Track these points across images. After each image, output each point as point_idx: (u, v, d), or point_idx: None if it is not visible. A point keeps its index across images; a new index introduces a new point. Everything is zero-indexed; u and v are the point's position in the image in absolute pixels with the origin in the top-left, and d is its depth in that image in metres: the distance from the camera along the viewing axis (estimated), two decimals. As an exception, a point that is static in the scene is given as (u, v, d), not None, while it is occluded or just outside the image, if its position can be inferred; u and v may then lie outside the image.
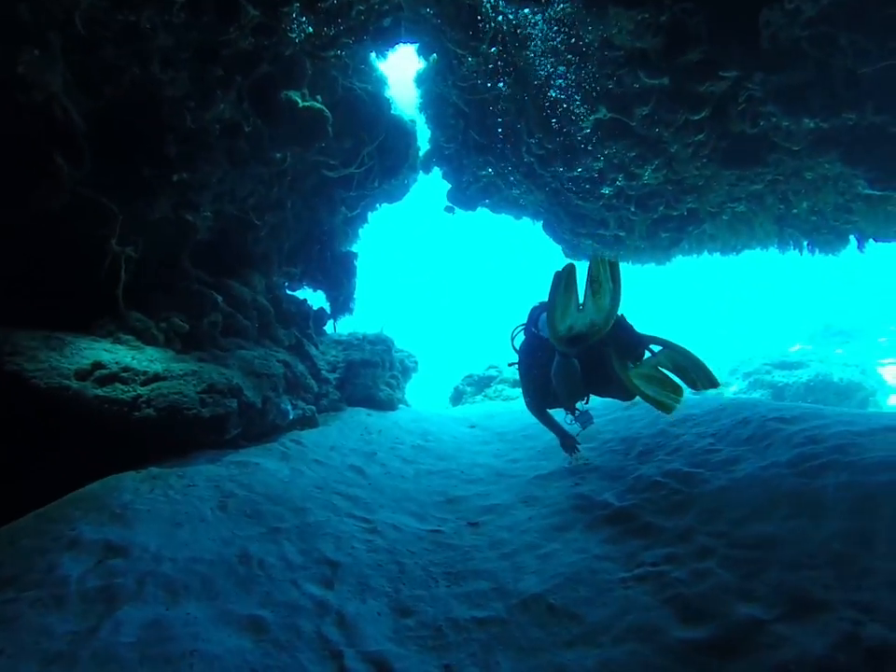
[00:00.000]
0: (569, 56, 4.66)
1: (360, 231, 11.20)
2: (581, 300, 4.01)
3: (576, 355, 4.15)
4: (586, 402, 4.75)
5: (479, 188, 9.78)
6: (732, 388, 13.85)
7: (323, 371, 7.27)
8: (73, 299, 4.56)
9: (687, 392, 4.13)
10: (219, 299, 5.52)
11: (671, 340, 4.23)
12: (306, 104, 5.73)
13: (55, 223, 4.34)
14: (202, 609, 2.35)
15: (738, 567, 2.41)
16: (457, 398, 10.82)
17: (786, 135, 4.89)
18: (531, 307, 5.03)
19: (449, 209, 9.77)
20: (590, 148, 5.57)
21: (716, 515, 3.06)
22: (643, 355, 4.15)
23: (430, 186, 11.86)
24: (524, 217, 10.17)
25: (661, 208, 6.42)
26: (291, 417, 5.56)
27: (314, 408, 6.31)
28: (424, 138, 9.70)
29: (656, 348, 4.24)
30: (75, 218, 4.42)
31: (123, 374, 4.04)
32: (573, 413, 4.76)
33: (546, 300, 4.49)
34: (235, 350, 5.53)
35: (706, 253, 7.87)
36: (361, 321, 10.45)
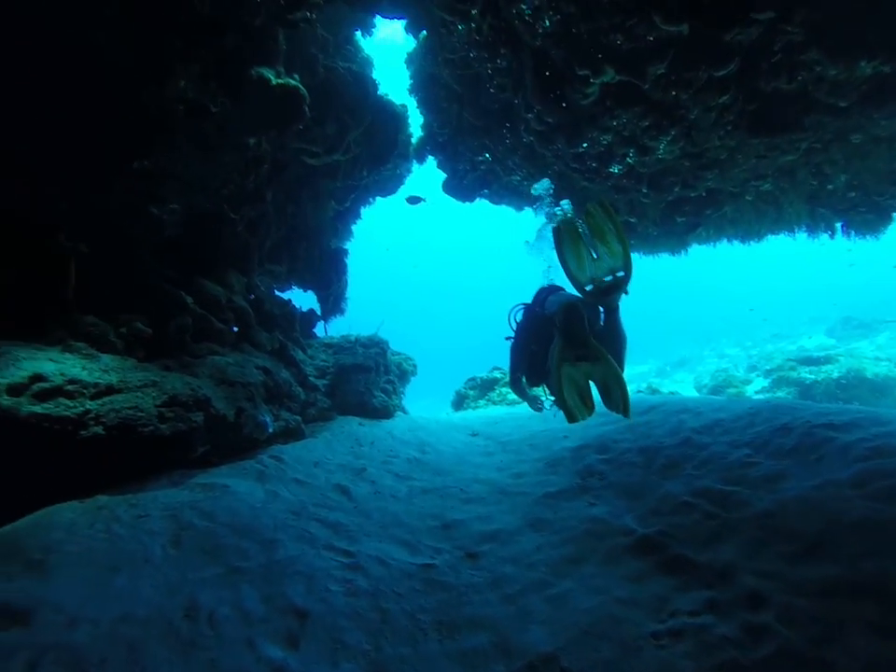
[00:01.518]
0: (570, 8, 4.12)
1: (353, 227, 10.76)
2: (591, 252, 4.00)
3: (609, 304, 4.12)
4: None
5: (476, 176, 9.28)
6: (752, 387, 13.22)
7: (311, 378, 6.81)
8: (20, 302, 4.12)
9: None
10: (189, 300, 5.06)
11: (621, 350, 4.23)
12: (280, 81, 5.27)
13: (-7, 217, 3.90)
14: (119, 692, 1.88)
15: (808, 625, 1.91)
16: (459, 402, 10.34)
17: (831, 89, 4.26)
18: (538, 288, 4.97)
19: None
20: (596, 119, 5.00)
21: (763, 548, 2.58)
22: (587, 356, 3.87)
23: (428, 176, 11.42)
24: (526, 208, 9.69)
25: (676, 189, 5.86)
26: (271, 430, 5.09)
27: (299, 418, 5.84)
28: (417, 125, 9.24)
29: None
30: (18, 213, 3.97)
31: (69, 387, 3.58)
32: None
33: (553, 285, 4.87)
34: (208, 357, 5.06)
35: (724, 240, 7.33)
36: (357, 323, 9.97)
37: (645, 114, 4.89)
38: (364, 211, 11.00)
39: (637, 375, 27.03)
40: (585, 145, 5.40)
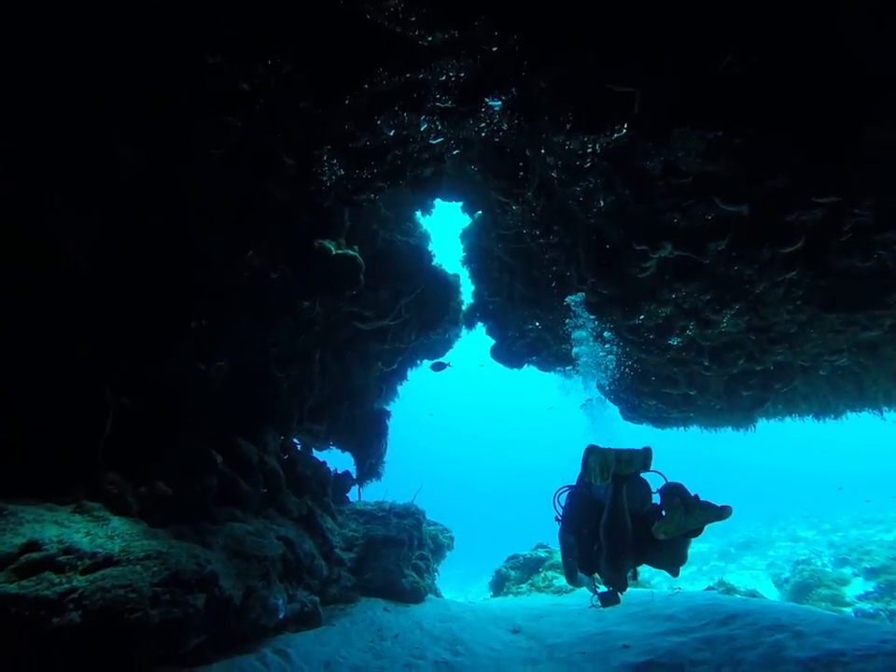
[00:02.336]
0: (625, 190, 4.27)
1: (398, 387, 10.75)
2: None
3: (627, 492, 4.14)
4: (634, 573, 4.60)
5: (525, 344, 9.32)
6: (850, 590, 10.90)
7: (336, 550, 6.19)
8: (46, 453, 3.99)
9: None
10: (219, 458, 4.84)
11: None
12: (339, 252, 5.60)
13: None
14: None
15: None
16: (499, 584, 9.12)
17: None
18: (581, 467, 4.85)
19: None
20: (654, 293, 4.94)
21: None
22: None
23: (475, 341, 11.64)
24: (574, 376, 9.49)
25: (741, 362, 5.52)
26: (282, 615, 4.45)
27: (316, 599, 5.17)
28: (468, 293, 9.62)
29: None
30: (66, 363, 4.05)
31: (62, 558, 3.25)
32: (618, 586, 4.56)
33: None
34: (227, 524, 4.66)
35: (795, 417, 6.71)
36: (393, 489, 9.38)
37: (706, 288, 4.81)
38: (410, 372, 11.10)
39: (697, 556, 23.94)
40: (642, 317, 5.28)
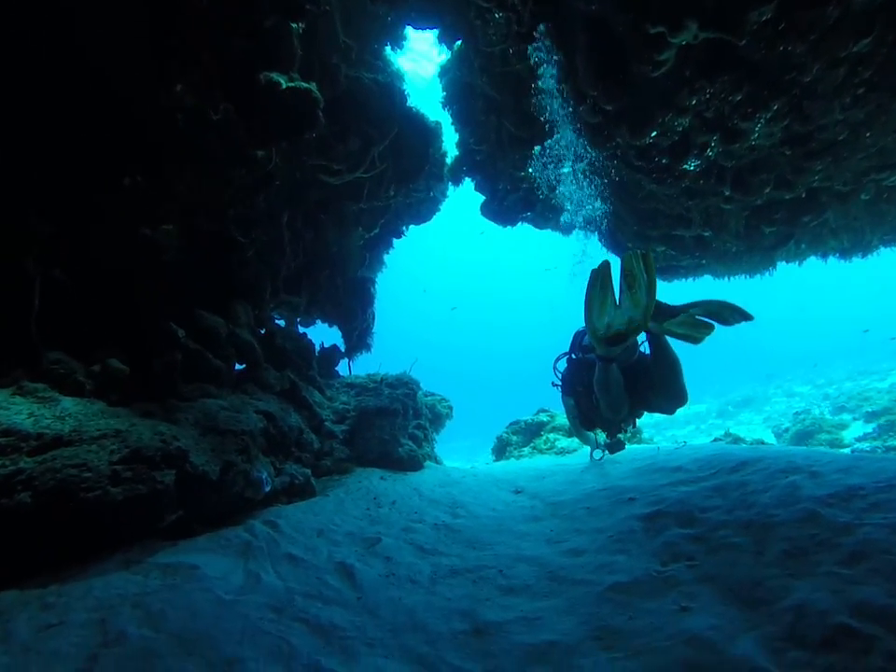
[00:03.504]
0: None
1: (385, 256, 10.19)
2: (617, 297, 4.09)
3: (617, 356, 4.38)
4: (632, 420, 5.22)
5: (518, 198, 8.57)
6: (849, 433, 11.30)
7: (327, 423, 6.03)
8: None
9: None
10: (181, 332, 4.41)
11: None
12: (291, 84, 4.71)
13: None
14: None
15: None
16: (501, 449, 9.31)
17: None
18: (575, 332, 5.34)
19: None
20: (669, 98, 4.09)
21: None
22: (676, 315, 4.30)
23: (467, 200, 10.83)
24: (576, 231, 8.86)
25: (768, 189, 4.80)
26: (269, 488, 4.30)
27: (308, 472, 5.04)
28: (451, 145, 8.67)
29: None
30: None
31: (1, 441, 2.90)
32: (616, 432, 5.29)
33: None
34: (199, 400, 4.36)
35: (819, 256, 6.19)
36: (389, 363, 9.19)
37: (738, 83, 3.89)
38: (397, 241, 10.46)
39: (695, 416, 25.17)
40: (654, 133, 4.48)
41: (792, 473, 3.87)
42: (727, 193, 4.92)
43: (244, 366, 5.57)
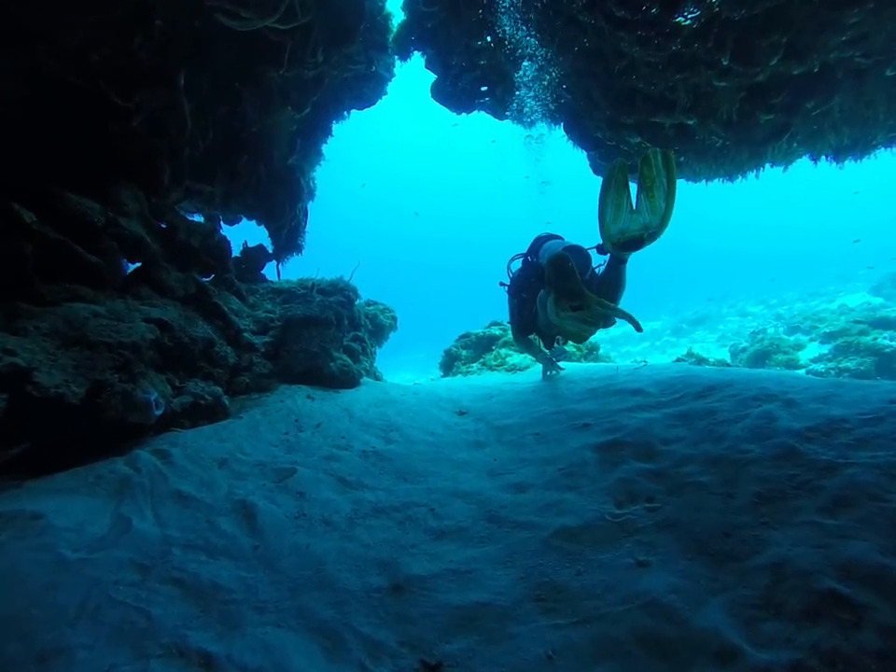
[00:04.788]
0: None
1: (323, 146, 9.05)
2: (633, 200, 3.96)
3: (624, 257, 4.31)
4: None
5: (475, 77, 7.51)
6: (805, 354, 11.51)
7: (246, 334, 5.34)
8: None
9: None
10: (29, 216, 3.50)
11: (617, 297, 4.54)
12: None
13: None
14: None
15: None
16: (449, 364, 8.87)
17: None
18: (536, 236, 5.18)
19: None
20: None
21: None
22: (581, 306, 4.32)
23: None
24: (539, 123, 7.95)
25: (777, 58, 4.04)
26: (160, 411, 3.66)
27: (219, 390, 4.43)
28: (397, 4, 7.41)
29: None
30: None
31: None
32: (549, 343, 5.39)
33: (549, 233, 5.17)
34: (65, 304, 3.56)
35: (810, 156, 5.60)
36: (329, 269, 8.31)
37: None
38: (338, 128, 9.29)
39: (650, 333, 25.77)
40: None
41: (766, 401, 3.52)
42: (725, 63, 4.12)
43: (139, 264, 4.73)
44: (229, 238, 6.10)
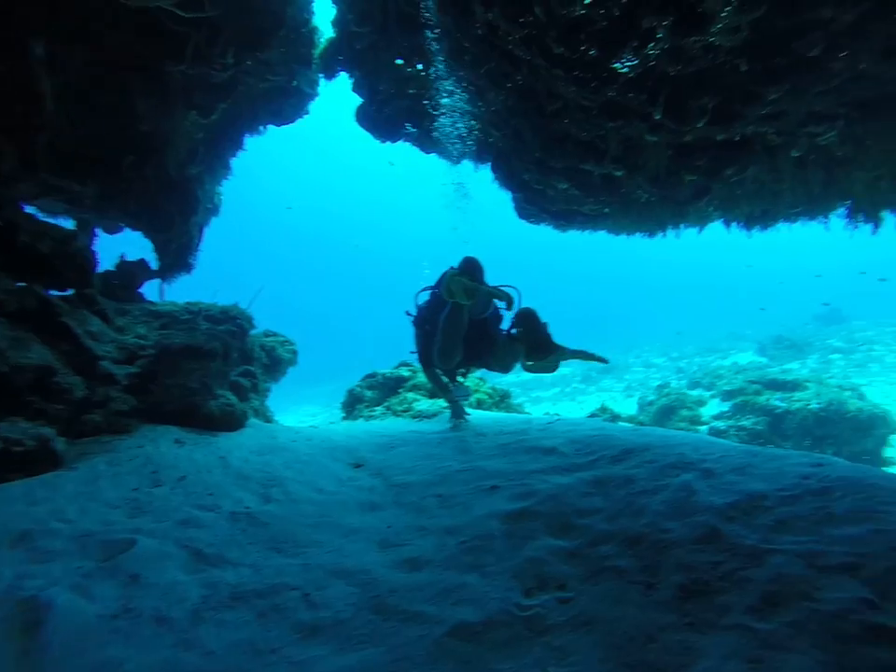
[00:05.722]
0: None
1: (231, 159, 8.41)
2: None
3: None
4: (465, 373, 5.74)
5: (403, 107, 7.27)
6: (707, 410, 12.16)
7: (104, 363, 4.54)
8: None
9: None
10: None
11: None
12: None
13: None
14: None
15: None
16: (351, 404, 8.25)
17: None
18: (444, 270, 5.27)
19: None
20: None
21: None
22: (547, 359, 4.93)
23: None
24: (466, 159, 7.82)
25: (705, 120, 3.91)
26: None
27: (49, 432, 3.61)
28: (327, 20, 7.10)
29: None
30: None
31: None
32: (451, 378, 5.59)
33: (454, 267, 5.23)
34: None
35: (721, 222, 5.79)
36: (230, 297, 7.45)
37: None
38: (251, 142, 8.71)
39: (560, 378, 26.43)
40: (587, 1, 3.40)
41: (684, 471, 3.32)
42: (657, 117, 4.07)
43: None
44: (102, 248, 5.30)
